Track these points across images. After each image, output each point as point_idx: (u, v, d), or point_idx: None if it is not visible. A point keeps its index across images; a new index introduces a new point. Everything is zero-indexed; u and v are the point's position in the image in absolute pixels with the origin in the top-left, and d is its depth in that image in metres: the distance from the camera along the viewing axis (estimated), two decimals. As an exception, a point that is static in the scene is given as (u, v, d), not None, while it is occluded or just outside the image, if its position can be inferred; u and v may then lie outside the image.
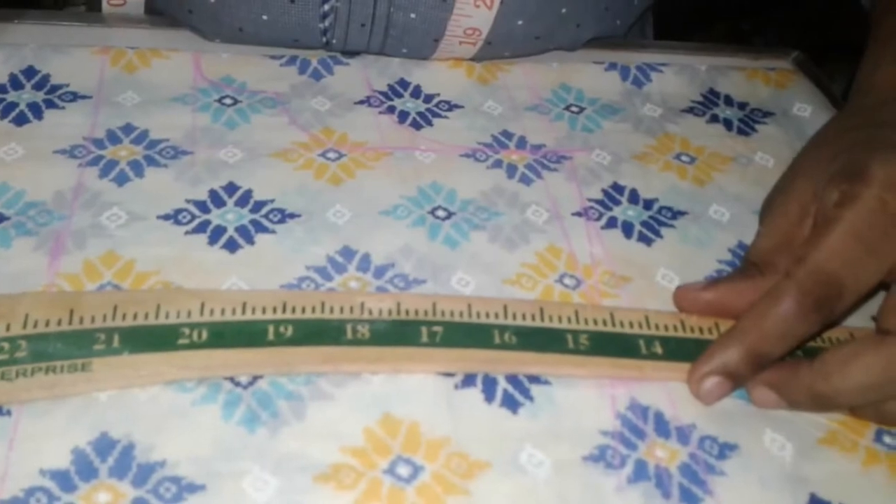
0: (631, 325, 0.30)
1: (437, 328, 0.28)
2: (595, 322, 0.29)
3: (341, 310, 0.28)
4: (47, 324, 0.26)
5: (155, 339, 0.26)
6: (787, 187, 0.32)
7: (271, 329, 0.27)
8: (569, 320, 0.29)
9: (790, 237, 0.31)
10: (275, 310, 0.28)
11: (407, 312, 0.28)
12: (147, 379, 0.26)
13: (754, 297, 0.29)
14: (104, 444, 0.24)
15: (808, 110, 0.42)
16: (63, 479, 0.23)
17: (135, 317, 0.27)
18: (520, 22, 0.39)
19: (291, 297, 0.28)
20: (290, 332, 0.27)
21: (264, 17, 0.38)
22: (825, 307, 0.28)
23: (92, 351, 0.26)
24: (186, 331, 0.27)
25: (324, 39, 0.39)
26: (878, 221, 0.28)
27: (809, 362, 0.28)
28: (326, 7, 0.38)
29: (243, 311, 0.28)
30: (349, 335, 0.27)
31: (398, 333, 0.28)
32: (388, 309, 0.28)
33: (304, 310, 0.28)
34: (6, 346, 0.25)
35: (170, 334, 0.26)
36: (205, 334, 0.27)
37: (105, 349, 0.26)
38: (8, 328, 0.26)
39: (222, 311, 0.27)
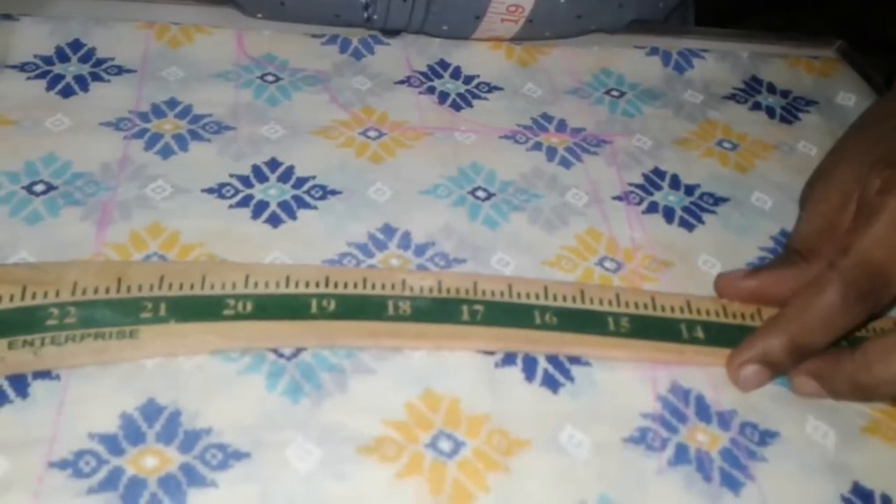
0: (672, 309, 0.30)
1: (477, 307, 0.28)
2: (636, 305, 0.29)
3: (383, 286, 0.28)
4: (96, 291, 0.26)
5: (201, 308, 0.26)
6: (829, 173, 0.32)
7: (314, 303, 0.27)
8: (609, 303, 0.29)
9: (832, 223, 0.30)
10: (318, 284, 0.28)
11: (448, 291, 0.29)
12: (192, 348, 0.26)
13: (797, 284, 0.29)
14: (151, 410, 0.24)
15: (852, 100, 0.42)
16: (111, 443, 0.23)
17: (181, 287, 0.27)
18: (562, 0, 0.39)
19: (334, 273, 0.29)
20: (332, 306, 0.27)
21: (306, -7, 0.38)
22: (870, 298, 0.27)
23: (139, 319, 0.26)
24: (231, 302, 0.27)
25: (364, 15, 0.39)
26: None
27: (852, 352, 0.27)
28: None
29: (287, 285, 0.28)
30: (391, 311, 0.28)
31: (439, 311, 0.28)
32: (430, 287, 0.29)
33: (346, 285, 0.28)
34: (55, 311, 0.26)
35: (215, 305, 0.27)
36: (249, 306, 0.27)
37: (152, 317, 0.26)
38: (57, 294, 0.26)
39: (266, 284, 0.28)
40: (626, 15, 0.42)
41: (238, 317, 0.26)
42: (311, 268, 0.29)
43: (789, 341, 0.28)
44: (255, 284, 0.27)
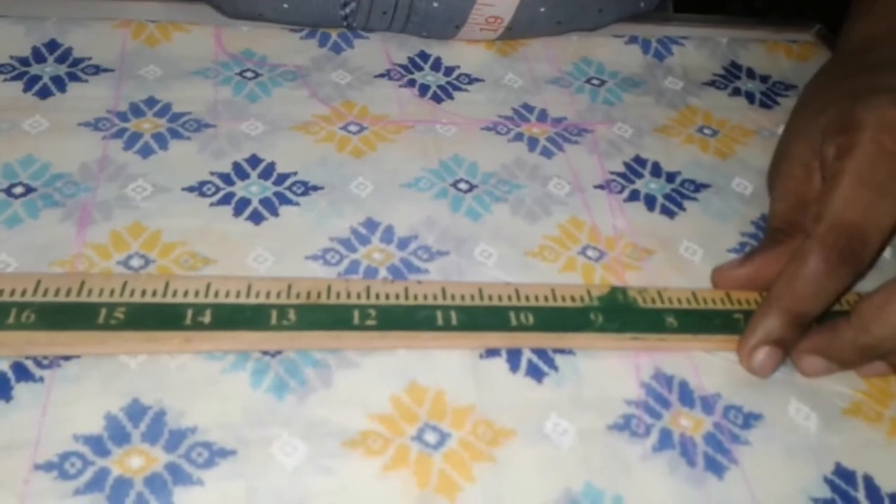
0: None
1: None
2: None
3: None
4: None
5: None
6: (786, 150, 0.33)
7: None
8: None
9: (802, 195, 0.31)
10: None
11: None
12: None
13: (788, 259, 0.29)
14: (136, 410, 0.24)
15: (830, 83, 0.42)
16: (97, 444, 0.23)
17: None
18: (542, 9, 0.39)
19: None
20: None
21: (285, 6, 0.38)
22: (852, 258, 0.28)
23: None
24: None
25: (344, 23, 0.39)
26: (881, 162, 0.28)
27: (847, 319, 0.28)
28: None
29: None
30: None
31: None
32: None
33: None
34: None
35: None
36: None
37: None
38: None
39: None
40: (605, 19, 0.42)
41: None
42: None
43: (786, 315, 0.28)
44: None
